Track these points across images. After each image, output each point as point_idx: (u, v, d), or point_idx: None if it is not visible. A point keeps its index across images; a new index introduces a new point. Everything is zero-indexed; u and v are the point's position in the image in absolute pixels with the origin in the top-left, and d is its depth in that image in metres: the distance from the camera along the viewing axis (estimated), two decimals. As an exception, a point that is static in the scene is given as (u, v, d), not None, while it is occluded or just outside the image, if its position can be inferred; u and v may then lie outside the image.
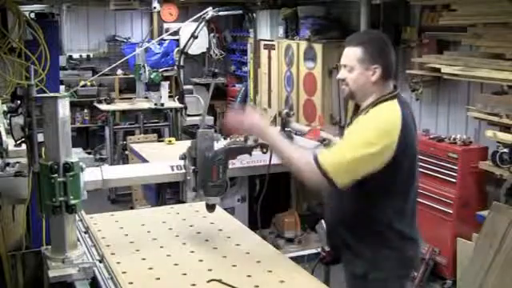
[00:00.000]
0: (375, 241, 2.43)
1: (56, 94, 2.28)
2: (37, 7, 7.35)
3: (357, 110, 2.54)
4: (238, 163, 3.60)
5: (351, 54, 2.43)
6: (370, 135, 2.27)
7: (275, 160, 2.55)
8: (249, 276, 2.24)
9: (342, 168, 2.26)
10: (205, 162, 2.45)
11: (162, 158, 4.54)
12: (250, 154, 2.54)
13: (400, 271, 2.48)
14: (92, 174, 2.43)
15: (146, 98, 7.99)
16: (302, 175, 2.34)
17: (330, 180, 2.26)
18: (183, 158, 2.55)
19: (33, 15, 4.75)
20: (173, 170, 2.58)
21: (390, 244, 2.43)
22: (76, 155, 2.31)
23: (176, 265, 2.35)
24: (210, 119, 8.61)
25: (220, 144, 2.59)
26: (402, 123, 2.32)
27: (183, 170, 2.54)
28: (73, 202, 2.23)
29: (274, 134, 2.44)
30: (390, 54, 2.48)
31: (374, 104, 2.41)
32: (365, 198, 2.39)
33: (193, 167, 2.48)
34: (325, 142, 3.14)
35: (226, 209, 3.05)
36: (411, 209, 2.48)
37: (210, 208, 2.57)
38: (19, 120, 2.75)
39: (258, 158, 3.24)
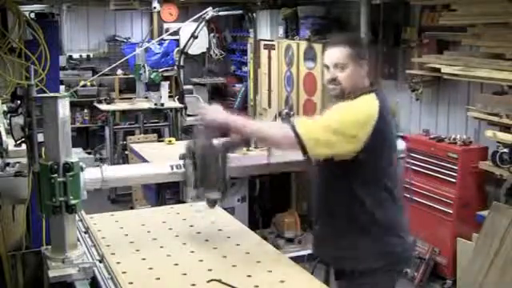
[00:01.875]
0: (357, 233, 2.47)
1: (56, 94, 2.28)
2: (37, 7, 7.35)
3: None
4: (238, 163, 3.59)
5: (342, 53, 2.51)
6: (346, 120, 2.35)
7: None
8: (249, 276, 2.24)
9: (315, 137, 2.33)
10: (204, 157, 2.43)
11: (162, 157, 4.54)
12: (249, 145, 2.55)
13: (386, 264, 2.49)
14: (92, 174, 2.42)
15: (146, 97, 7.99)
16: (281, 148, 2.45)
17: (303, 147, 2.32)
18: (183, 157, 2.54)
19: (33, 15, 4.75)
20: (172, 169, 2.56)
21: (372, 236, 2.46)
22: (76, 155, 2.31)
23: (176, 265, 2.35)
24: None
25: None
26: (378, 117, 2.39)
27: (183, 169, 2.52)
28: (73, 201, 2.23)
29: (237, 120, 2.45)
30: (368, 52, 2.64)
31: (355, 96, 2.48)
32: (344, 188, 2.45)
33: (192, 161, 2.45)
34: None
35: (225, 209, 3.05)
36: (394, 201, 2.51)
37: (211, 204, 2.55)
38: (19, 120, 2.75)
39: (258, 159, 3.23)
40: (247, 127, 2.44)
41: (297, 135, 2.32)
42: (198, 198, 2.56)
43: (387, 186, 2.48)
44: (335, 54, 2.51)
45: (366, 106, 2.41)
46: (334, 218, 2.52)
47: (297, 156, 2.41)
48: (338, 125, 2.33)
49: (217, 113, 2.44)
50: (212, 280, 2.18)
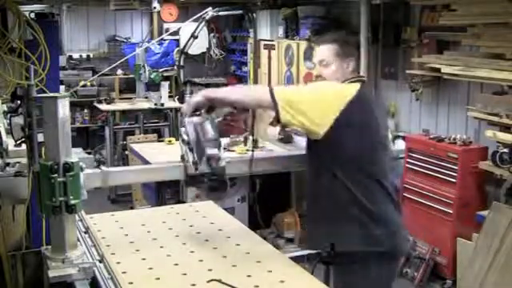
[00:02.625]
0: (343, 218, 2.52)
1: (56, 94, 2.28)
2: (37, 7, 7.35)
3: None
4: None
5: (328, 50, 2.65)
6: (316, 97, 2.46)
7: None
8: (249, 276, 2.24)
9: (288, 100, 2.41)
10: (195, 124, 2.47)
11: (162, 158, 4.54)
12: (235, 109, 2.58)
13: (367, 248, 2.52)
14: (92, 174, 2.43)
15: (146, 98, 7.99)
16: (259, 107, 2.54)
17: (276, 111, 2.42)
18: (184, 158, 2.54)
19: (33, 15, 4.75)
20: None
21: (355, 220, 2.50)
22: (76, 155, 2.31)
23: (176, 265, 2.35)
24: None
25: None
26: (351, 100, 2.46)
27: (182, 164, 2.52)
28: (73, 201, 2.23)
29: (223, 89, 2.62)
30: (357, 50, 2.80)
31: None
32: (327, 172, 2.53)
33: (187, 146, 2.48)
34: None
35: (226, 209, 3.05)
36: (385, 193, 2.55)
37: (210, 192, 2.55)
38: (19, 120, 2.76)
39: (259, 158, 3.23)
40: (229, 95, 2.56)
41: (273, 98, 2.41)
42: (197, 197, 2.56)
43: (372, 174, 2.52)
44: (320, 51, 2.67)
45: (340, 88, 2.54)
46: (321, 201, 2.60)
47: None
48: (310, 98, 2.44)
49: (194, 96, 2.51)
50: (212, 280, 2.18)
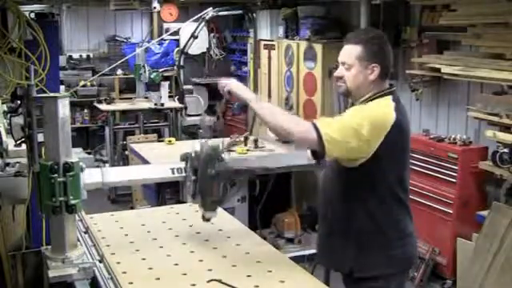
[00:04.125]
0: (359, 239, 2.45)
1: (56, 94, 2.28)
2: (37, 7, 7.35)
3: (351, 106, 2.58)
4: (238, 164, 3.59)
5: (351, 52, 2.44)
6: (362, 124, 2.29)
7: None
8: (249, 276, 2.24)
9: (334, 138, 2.28)
10: (206, 179, 2.39)
11: (162, 158, 4.54)
12: (254, 175, 2.51)
13: (388, 270, 2.48)
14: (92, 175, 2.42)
15: (146, 97, 7.99)
16: (299, 144, 2.45)
17: (322, 147, 2.28)
18: (184, 159, 2.54)
19: (33, 15, 4.75)
20: (173, 173, 2.54)
21: (377, 245, 2.45)
22: (76, 155, 2.31)
23: (176, 265, 2.35)
24: (209, 119, 8.62)
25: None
26: (394, 122, 2.36)
27: (183, 174, 2.51)
28: (73, 201, 2.23)
29: (263, 104, 2.45)
30: (389, 53, 2.50)
31: (370, 99, 2.44)
32: (353, 196, 2.44)
33: (194, 177, 2.43)
34: None
35: (226, 209, 3.05)
36: (399, 207, 2.48)
37: (206, 220, 2.56)
38: (19, 120, 2.75)
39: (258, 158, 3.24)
40: (268, 114, 2.38)
41: (318, 134, 2.27)
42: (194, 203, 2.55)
43: (396, 193, 2.45)
44: (345, 51, 2.47)
45: (382, 113, 2.36)
46: (340, 224, 2.49)
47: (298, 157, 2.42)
48: (356, 127, 2.29)
49: (246, 89, 2.49)
50: (212, 280, 2.18)
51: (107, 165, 7.16)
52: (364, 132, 2.28)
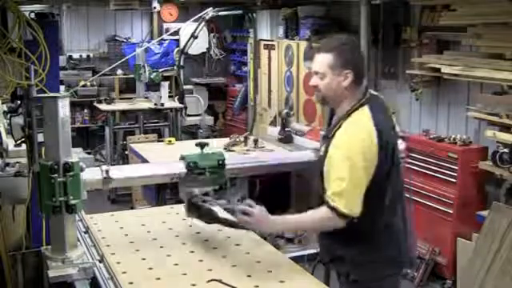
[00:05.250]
0: (355, 242, 2.44)
1: (56, 94, 2.29)
2: (37, 7, 7.34)
3: (332, 115, 2.58)
4: (238, 164, 3.59)
5: (322, 61, 2.44)
6: (357, 159, 2.31)
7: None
8: (249, 276, 2.24)
9: (352, 201, 2.31)
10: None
11: (162, 158, 4.54)
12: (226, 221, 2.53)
13: (385, 272, 2.49)
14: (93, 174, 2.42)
15: (146, 97, 7.99)
16: (329, 228, 2.38)
17: (349, 217, 2.30)
18: (183, 158, 2.55)
19: (33, 15, 4.75)
20: (172, 179, 2.59)
21: (370, 245, 2.45)
22: (76, 155, 2.31)
23: (176, 265, 2.35)
24: (209, 119, 8.62)
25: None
26: (376, 133, 2.35)
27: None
28: (73, 202, 2.23)
29: (281, 223, 2.41)
30: (361, 58, 2.52)
31: (346, 116, 2.43)
32: None
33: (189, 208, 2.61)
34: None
35: (225, 209, 3.04)
36: (391, 208, 2.48)
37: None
38: (19, 120, 2.76)
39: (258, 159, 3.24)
40: (291, 229, 2.60)
41: (340, 213, 2.30)
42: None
43: (388, 194, 2.46)
44: (317, 61, 2.47)
45: (365, 135, 2.35)
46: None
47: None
48: (358, 174, 2.31)
49: (261, 222, 2.35)
50: (212, 280, 2.18)
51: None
52: (365, 170, 2.32)
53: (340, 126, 2.41)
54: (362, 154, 2.32)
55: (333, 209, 2.30)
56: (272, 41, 7.61)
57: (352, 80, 2.42)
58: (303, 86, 6.93)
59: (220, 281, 2.16)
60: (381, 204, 2.44)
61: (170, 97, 7.98)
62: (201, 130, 7.89)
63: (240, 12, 8.21)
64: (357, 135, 2.36)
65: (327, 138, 2.48)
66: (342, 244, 2.46)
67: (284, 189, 5.25)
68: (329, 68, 2.42)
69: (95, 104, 8.01)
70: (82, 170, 2.29)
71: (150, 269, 2.30)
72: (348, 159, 2.32)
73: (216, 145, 4.53)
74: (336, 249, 2.50)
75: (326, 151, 2.42)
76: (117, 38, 8.91)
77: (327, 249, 2.58)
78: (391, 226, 2.50)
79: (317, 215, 2.35)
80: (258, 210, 2.33)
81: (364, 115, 2.41)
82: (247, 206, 2.34)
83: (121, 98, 8.38)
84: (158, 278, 2.22)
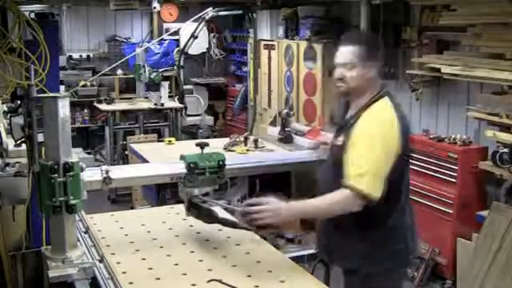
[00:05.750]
0: (365, 236, 2.47)
1: (56, 94, 2.29)
2: (37, 7, 7.35)
3: (346, 107, 2.60)
4: (238, 164, 3.60)
5: (351, 52, 2.47)
6: (379, 145, 2.33)
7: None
8: (249, 276, 2.24)
9: (373, 184, 2.30)
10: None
11: (162, 158, 4.54)
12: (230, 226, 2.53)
13: (393, 265, 2.51)
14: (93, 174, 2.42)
15: (146, 97, 7.99)
16: (345, 212, 2.35)
17: (370, 199, 2.30)
18: (183, 158, 2.55)
19: (33, 15, 4.75)
20: (172, 179, 2.59)
21: (379, 239, 2.47)
22: (76, 155, 2.31)
23: (176, 265, 2.35)
24: (209, 119, 8.62)
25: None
26: (398, 122, 2.39)
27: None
28: (73, 202, 2.23)
29: (296, 209, 2.37)
30: (382, 52, 2.56)
31: (367, 105, 2.46)
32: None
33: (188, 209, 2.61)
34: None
35: (225, 209, 3.04)
36: (402, 202, 2.51)
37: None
38: (19, 120, 2.75)
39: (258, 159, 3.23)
40: (308, 214, 2.45)
41: (361, 194, 2.29)
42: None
43: (401, 191, 2.48)
44: (345, 53, 2.50)
45: (387, 123, 2.39)
46: (345, 222, 2.48)
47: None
48: (377, 157, 2.32)
49: (275, 216, 2.28)
50: (212, 280, 2.18)
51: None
52: (386, 156, 2.33)
53: (359, 116, 2.44)
54: (385, 140, 2.34)
55: (353, 189, 2.30)
56: (272, 41, 7.61)
57: (376, 72, 2.49)
58: (303, 85, 6.93)
59: (220, 281, 2.16)
60: (397, 198, 2.46)
61: (170, 97, 7.98)
62: (201, 130, 7.88)
63: (240, 12, 8.21)
64: (379, 123, 2.40)
65: (345, 128, 2.49)
66: (353, 240, 2.48)
67: (284, 189, 5.25)
68: (358, 59, 2.46)
69: (95, 104, 8.01)
70: (82, 169, 2.29)
71: (150, 269, 2.30)
72: (370, 145, 2.34)
73: (216, 145, 4.53)
74: (344, 245, 2.51)
75: (345, 140, 2.44)
76: (117, 38, 8.91)
77: (335, 246, 2.58)
78: (402, 222, 2.53)
79: (336, 197, 2.33)
80: (268, 204, 2.28)
81: (386, 105, 2.46)
82: (248, 207, 2.30)
83: (121, 98, 8.38)
84: (158, 278, 2.22)
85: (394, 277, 2.55)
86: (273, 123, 6.93)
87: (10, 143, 3.68)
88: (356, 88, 2.49)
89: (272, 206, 2.28)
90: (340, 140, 2.50)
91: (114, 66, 7.65)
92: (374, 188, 2.30)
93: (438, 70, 4.93)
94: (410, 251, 2.59)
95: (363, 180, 2.30)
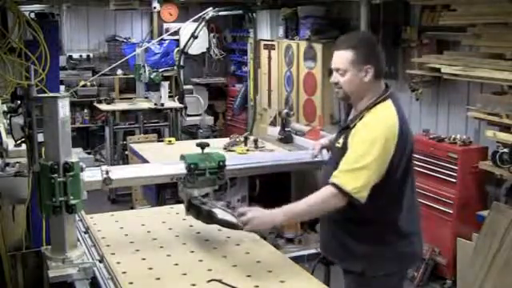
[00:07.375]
0: (371, 238, 2.46)
1: (56, 94, 2.29)
2: (37, 7, 7.35)
3: (350, 109, 2.59)
4: (238, 164, 3.60)
5: (343, 57, 2.46)
6: (374, 146, 2.31)
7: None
8: (249, 276, 2.24)
9: (359, 187, 2.29)
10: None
11: (162, 158, 4.54)
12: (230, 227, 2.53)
13: (397, 267, 2.52)
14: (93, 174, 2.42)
15: (146, 97, 7.99)
16: (330, 210, 2.37)
17: (355, 199, 2.29)
18: (183, 158, 2.55)
19: (33, 15, 4.75)
20: (172, 179, 2.59)
21: (386, 241, 2.47)
22: (76, 155, 2.31)
23: (176, 265, 2.35)
24: (209, 119, 8.63)
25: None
26: (399, 125, 2.37)
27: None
28: (73, 202, 2.23)
29: (282, 214, 2.40)
30: (380, 53, 2.52)
31: (370, 107, 2.45)
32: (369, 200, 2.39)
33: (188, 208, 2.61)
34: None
35: (225, 210, 3.04)
36: (408, 204, 2.51)
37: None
38: (19, 120, 2.75)
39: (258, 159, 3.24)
40: (294, 217, 2.48)
41: (346, 194, 2.29)
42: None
43: (403, 191, 2.47)
44: (337, 58, 2.49)
45: (386, 127, 2.36)
46: (348, 222, 2.48)
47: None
48: (370, 161, 2.30)
49: (262, 221, 2.33)
50: (212, 280, 2.18)
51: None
52: (377, 160, 2.31)
53: (362, 117, 2.43)
54: (383, 141, 2.32)
55: (334, 185, 2.30)
56: (272, 41, 7.62)
57: (373, 75, 2.44)
58: (303, 85, 6.93)
59: (220, 281, 2.16)
60: (401, 201, 2.46)
61: (170, 97, 7.99)
62: (201, 130, 7.89)
63: (240, 12, 8.22)
64: (379, 125, 2.38)
65: (347, 129, 2.49)
66: (358, 241, 2.48)
67: (284, 189, 5.25)
68: (350, 64, 2.43)
69: (95, 104, 8.01)
70: (82, 170, 2.29)
71: (150, 269, 2.30)
72: (365, 147, 2.33)
73: (216, 145, 4.53)
74: (349, 247, 2.51)
75: (345, 141, 2.43)
76: (117, 38, 8.91)
77: (339, 247, 2.57)
78: (408, 226, 2.53)
79: (320, 194, 2.34)
80: (253, 209, 2.34)
81: (388, 108, 2.44)
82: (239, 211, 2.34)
83: (121, 98, 8.38)
84: (158, 278, 2.22)
85: (396, 278, 2.55)
86: (273, 123, 6.93)
87: (10, 143, 3.68)
88: (353, 92, 2.47)
89: (255, 211, 2.33)
90: (340, 142, 2.50)
91: (113, 66, 7.65)
92: (357, 186, 2.28)
93: (438, 70, 4.93)
94: (415, 255, 2.60)
95: (346, 177, 2.30)
